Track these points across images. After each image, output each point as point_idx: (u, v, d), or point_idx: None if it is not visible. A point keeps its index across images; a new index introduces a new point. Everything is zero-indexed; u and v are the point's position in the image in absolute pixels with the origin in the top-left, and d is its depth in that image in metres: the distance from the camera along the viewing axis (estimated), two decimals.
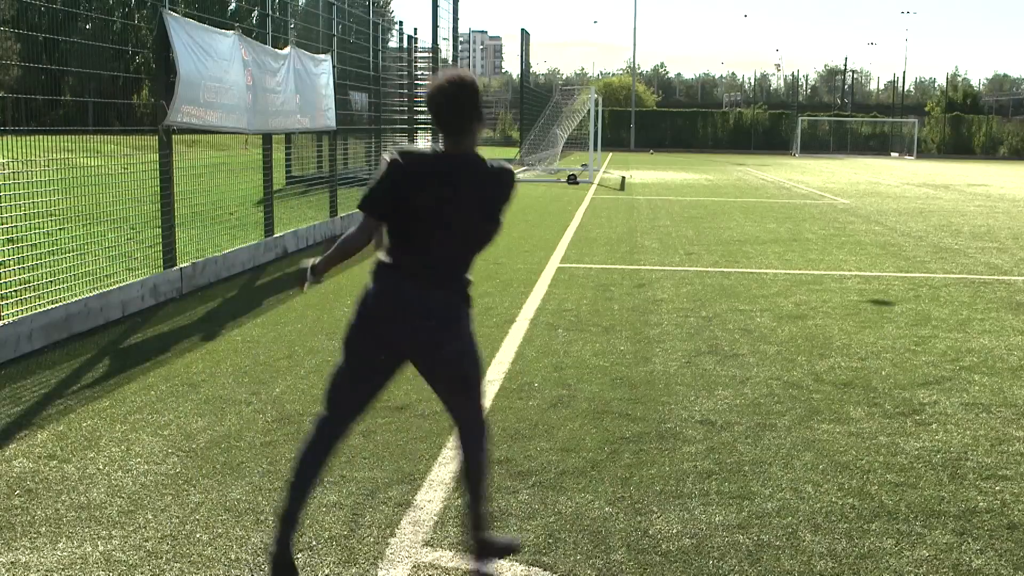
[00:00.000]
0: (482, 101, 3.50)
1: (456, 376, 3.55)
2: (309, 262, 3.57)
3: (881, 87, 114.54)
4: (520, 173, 31.17)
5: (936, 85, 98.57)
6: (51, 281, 7.47)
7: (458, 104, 3.40)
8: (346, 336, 3.54)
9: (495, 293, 9.47)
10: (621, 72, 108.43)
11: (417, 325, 3.40)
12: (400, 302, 3.40)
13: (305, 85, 12.70)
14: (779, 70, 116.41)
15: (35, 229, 7.71)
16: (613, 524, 4.11)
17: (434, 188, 3.37)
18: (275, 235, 11.83)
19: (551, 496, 4.38)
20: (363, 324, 3.47)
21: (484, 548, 3.67)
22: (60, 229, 8.34)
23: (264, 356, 6.85)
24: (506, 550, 3.76)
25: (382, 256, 3.49)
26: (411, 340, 3.43)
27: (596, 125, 32.28)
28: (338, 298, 9.10)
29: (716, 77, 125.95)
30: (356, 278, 10.25)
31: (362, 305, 3.48)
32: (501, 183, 3.47)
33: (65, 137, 7.84)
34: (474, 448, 3.66)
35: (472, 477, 3.64)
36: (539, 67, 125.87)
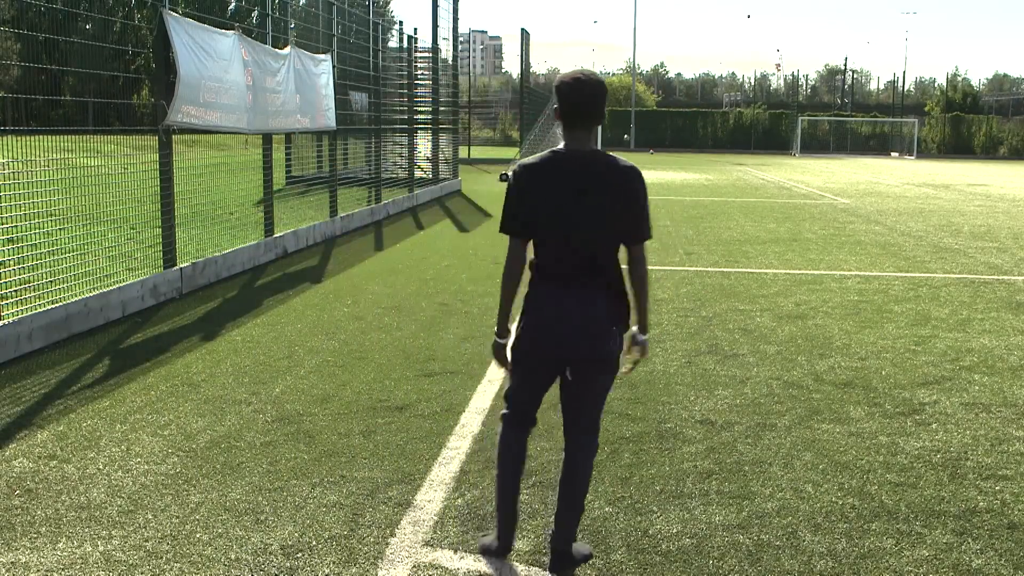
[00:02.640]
0: (605, 102, 3.54)
1: (582, 380, 3.58)
2: (494, 341, 3.67)
3: (881, 87, 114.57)
4: None
5: (936, 85, 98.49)
6: (51, 281, 7.47)
7: (586, 101, 3.44)
8: (519, 338, 3.61)
9: (495, 293, 9.47)
10: (621, 72, 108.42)
11: (557, 328, 3.50)
12: (546, 307, 3.52)
13: (305, 85, 12.70)
14: (779, 70, 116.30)
15: (35, 229, 7.71)
16: (613, 524, 4.11)
17: (548, 193, 3.48)
18: (275, 235, 11.82)
19: (551, 496, 4.37)
20: (525, 330, 3.58)
21: (562, 560, 3.66)
22: (60, 229, 8.34)
23: (264, 356, 6.85)
24: (585, 559, 3.76)
25: (532, 265, 3.61)
26: (554, 342, 3.52)
27: None
28: (338, 298, 9.10)
29: (716, 77, 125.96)
30: (356, 279, 10.27)
31: (523, 312, 3.60)
32: (615, 183, 3.48)
33: (65, 137, 7.84)
34: (582, 459, 3.70)
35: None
36: (539, 67, 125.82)
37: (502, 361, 3.69)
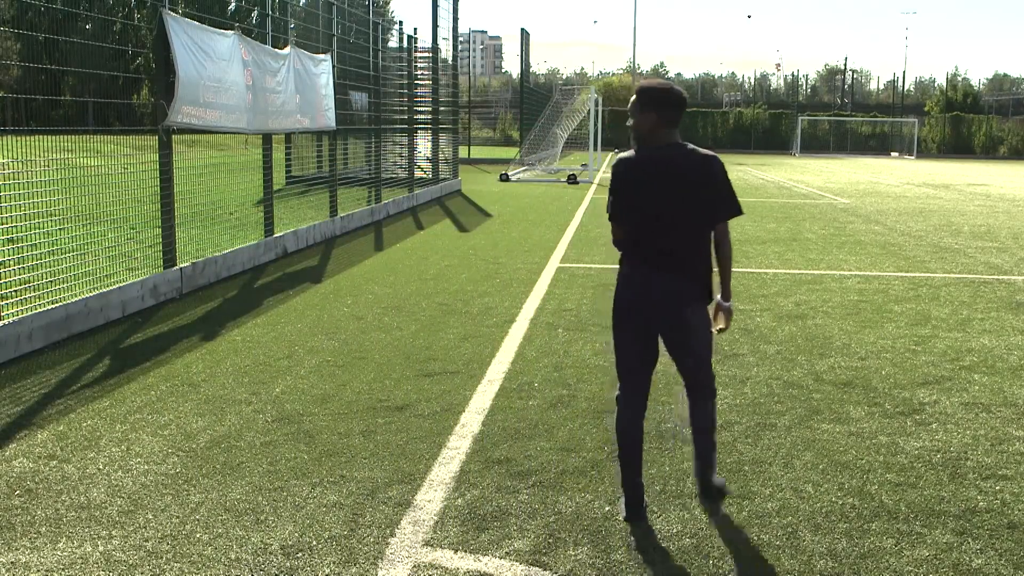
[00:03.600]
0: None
1: (682, 344, 4.15)
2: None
3: (881, 87, 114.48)
4: (520, 173, 31.17)
5: (936, 85, 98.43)
6: (51, 281, 7.47)
7: (677, 106, 4.08)
8: (615, 314, 4.19)
9: (495, 293, 9.47)
10: (621, 72, 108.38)
11: (651, 303, 4.08)
12: (636, 285, 4.10)
13: (305, 85, 12.70)
14: (779, 70, 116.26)
15: (35, 229, 7.71)
16: (613, 524, 4.11)
17: (638, 183, 4.08)
18: (275, 235, 11.83)
19: (551, 496, 4.38)
20: (618, 306, 4.17)
21: (707, 490, 4.28)
22: (60, 229, 8.35)
23: (264, 356, 6.85)
24: (720, 493, 4.31)
25: (623, 248, 4.19)
26: (649, 315, 4.10)
27: (596, 125, 32.28)
28: (338, 298, 9.10)
29: (716, 77, 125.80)
30: (356, 279, 10.27)
31: (616, 290, 4.18)
32: (702, 169, 4.05)
33: (65, 137, 7.84)
34: (701, 402, 4.27)
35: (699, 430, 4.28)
36: (539, 67, 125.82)
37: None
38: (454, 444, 5.04)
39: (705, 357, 4.23)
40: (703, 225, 4.09)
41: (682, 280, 4.07)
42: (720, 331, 4.26)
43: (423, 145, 22.71)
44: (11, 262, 7.34)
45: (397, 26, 22.75)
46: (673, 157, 4.06)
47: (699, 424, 4.28)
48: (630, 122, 4.17)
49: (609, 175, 4.24)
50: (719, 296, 4.24)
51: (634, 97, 4.14)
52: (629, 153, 4.17)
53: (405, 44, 21.58)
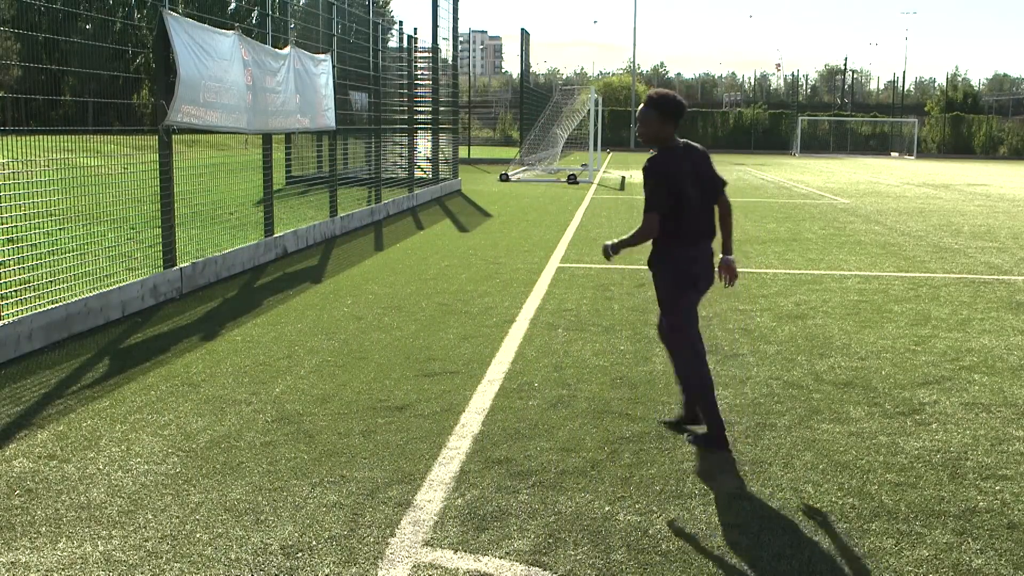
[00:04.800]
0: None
1: (702, 293, 5.16)
2: (609, 243, 5.06)
3: (881, 87, 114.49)
4: (520, 173, 31.17)
5: (936, 85, 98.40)
6: (51, 281, 7.47)
7: (682, 110, 4.97)
8: (680, 286, 5.01)
9: (495, 293, 9.47)
10: (621, 72, 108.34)
11: (701, 265, 5.01)
12: (696, 256, 4.97)
13: (305, 85, 12.70)
14: (779, 70, 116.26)
15: (35, 229, 7.71)
16: (613, 524, 4.11)
17: (681, 175, 4.91)
18: (275, 235, 11.83)
19: (551, 496, 4.38)
20: (679, 271, 4.99)
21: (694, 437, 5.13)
22: (60, 229, 8.35)
23: (264, 356, 6.85)
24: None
25: (667, 231, 4.90)
26: (700, 275, 5.02)
27: (596, 125, 32.28)
28: (338, 298, 9.10)
29: (716, 77, 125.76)
30: (356, 279, 10.27)
31: (677, 262, 4.98)
32: (706, 157, 5.07)
33: (65, 137, 7.84)
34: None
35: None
36: (539, 67, 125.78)
37: (607, 253, 5.08)
38: (454, 444, 5.04)
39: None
40: (718, 198, 5.07)
41: (712, 242, 5.04)
42: (729, 286, 5.12)
43: (423, 145, 22.71)
44: (11, 262, 7.34)
45: (397, 26, 22.74)
46: (691, 152, 5.01)
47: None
48: (644, 128, 4.96)
49: (641, 175, 5.02)
50: (722, 254, 5.13)
51: (650, 106, 4.91)
52: (657, 154, 4.94)
53: (405, 44, 21.57)
